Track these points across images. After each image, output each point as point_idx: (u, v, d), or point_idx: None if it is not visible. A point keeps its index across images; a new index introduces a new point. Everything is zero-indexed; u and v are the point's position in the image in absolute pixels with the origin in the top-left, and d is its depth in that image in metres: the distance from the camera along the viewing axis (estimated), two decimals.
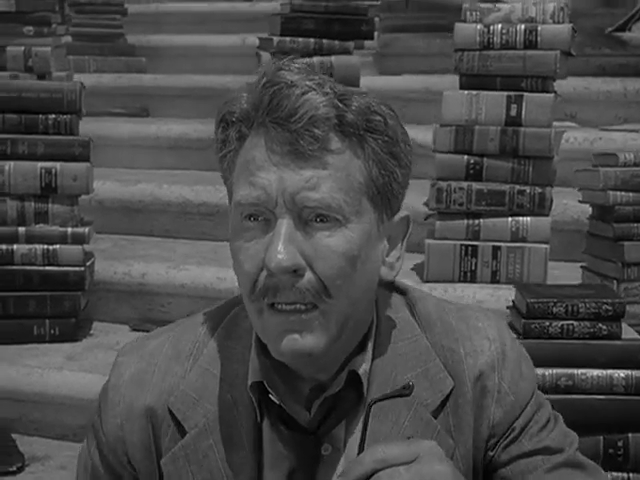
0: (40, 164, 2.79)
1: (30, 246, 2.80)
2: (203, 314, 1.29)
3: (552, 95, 2.67)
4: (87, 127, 3.87)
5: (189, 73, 4.52)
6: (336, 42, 3.30)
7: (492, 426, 1.21)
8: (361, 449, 1.11)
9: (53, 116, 2.81)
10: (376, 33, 4.19)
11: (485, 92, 2.70)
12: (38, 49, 3.64)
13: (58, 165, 2.80)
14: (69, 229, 2.81)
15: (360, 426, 1.17)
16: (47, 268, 2.80)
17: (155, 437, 1.22)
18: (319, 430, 1.17)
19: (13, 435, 2.65)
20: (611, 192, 2.48)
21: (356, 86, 3.31)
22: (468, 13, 2.71)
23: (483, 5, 2.70)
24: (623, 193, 2.47)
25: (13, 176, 2.79)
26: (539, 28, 2.65)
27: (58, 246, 2.81)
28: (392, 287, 1.26)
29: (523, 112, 2.67)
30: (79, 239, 2.82)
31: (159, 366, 1.24)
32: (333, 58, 3.29)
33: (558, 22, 2.65)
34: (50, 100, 2.80)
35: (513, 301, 2.04)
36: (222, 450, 1.19)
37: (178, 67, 4.59)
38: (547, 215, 2.71)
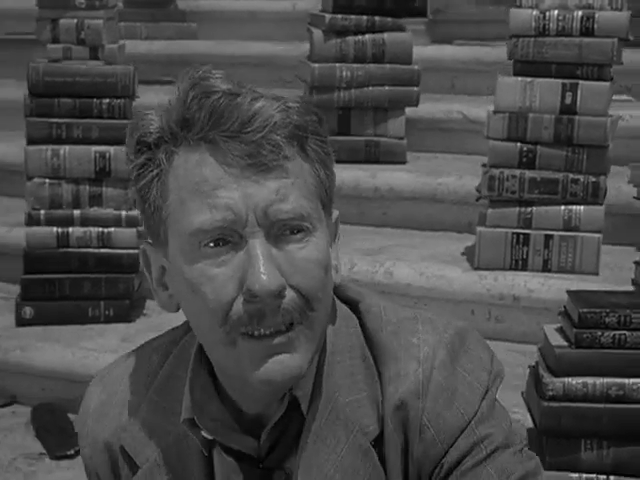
0: (94, 148, 2.82)
1: (85, 229, 2.84)
2: (154, 341, 1.22)
3: (608, 83, 2.64)
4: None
5: (239, 39, 4.52)
6: (389, 19, 3.27)
7: (416, 464, 1.09)
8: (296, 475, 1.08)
9: (107, 100, 2.83)
10: None
11: (540, 79, 2.67)
12: (90, 21, 3.63)
13: (112, 149, 2.82)
14: (123, 212, 2.85)
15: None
16: (101, 250, 2.85)
17: (115, 472, 1.19)
18: (268, 459, 1.11)
19: (70, 416, 2.72)
20: None
21: (408, 63, 3.29)
22: None
23: None
24: None
25: (68, 160, 2.82)
26: (596, 15, 2.61)
27: (112, 229, 2.85)
28: (342, 296, 1.17)
29: (578, 100, 2.64)
30: (133, 222, 2.86)
31: (117, 399, 1.19)
32: (385, 35, 3.26)
33: (616, 9, 2.60)
34: (104, 84, 2.83)
35: (565, 307, 2.04)
36: None
37: (228, 32, 4.57)
38: (601, 204, 2.69)
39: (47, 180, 2.82)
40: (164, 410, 1.15)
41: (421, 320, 1.13)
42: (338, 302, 1.15)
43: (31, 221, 2.83)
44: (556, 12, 2.64)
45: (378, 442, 1.09)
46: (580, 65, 2.64)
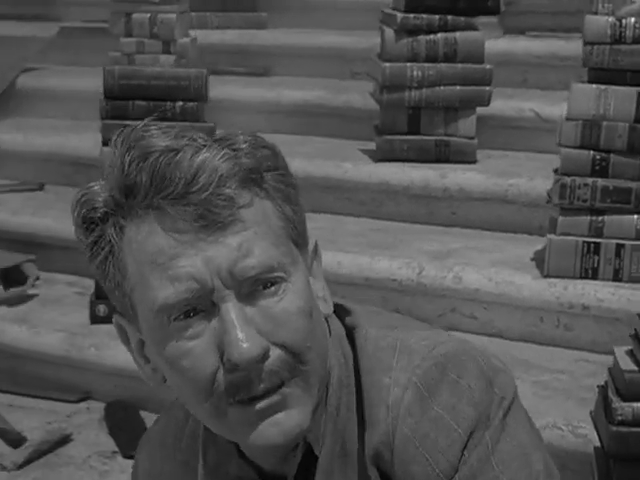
0: None
1: None
2: None
3: None
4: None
5: (311, 28, 4.52)
6: (461, 18, 3.25)
7: None
8: None
9: (180, 103, 2.87)
10: None
11: (614, 87, 2.63)
12: (164, 16, 3.68)
13: None
14: None
15: None
16: None
17: None
18: None
19: (142, 413, 2.78)
20: None
21: (481, 62, 3.26)
22: (600, 5, 2.63)
23: None
24: None
25: None
26: None
27: None
28: (341, 318, 1.09)
29: None
30: None
31: (155, 465, 1.15)
32: (457, 34, 3.24)
33: None
34: (177, 88, 2.86)
35: (635, 330, 2.03)
36: None
37: (299, 22, 4.58)
38: None
39: None
40: (194, 473, 1.09)
41: (399, 350, 1.02)
42: (338, 326, 1.07)
43: None
44: (633, 19, 2.60)
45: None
46: None
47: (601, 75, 2.65)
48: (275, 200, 0.98)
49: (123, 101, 2.85)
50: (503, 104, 3.51)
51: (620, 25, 2.60)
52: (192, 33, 3.95)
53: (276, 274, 0.95)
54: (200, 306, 0.94)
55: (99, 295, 2.93)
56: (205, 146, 0.94)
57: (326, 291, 1.05)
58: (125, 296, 0.99)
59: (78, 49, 4.62)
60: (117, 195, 0.95)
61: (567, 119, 2.70)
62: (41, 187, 3.73)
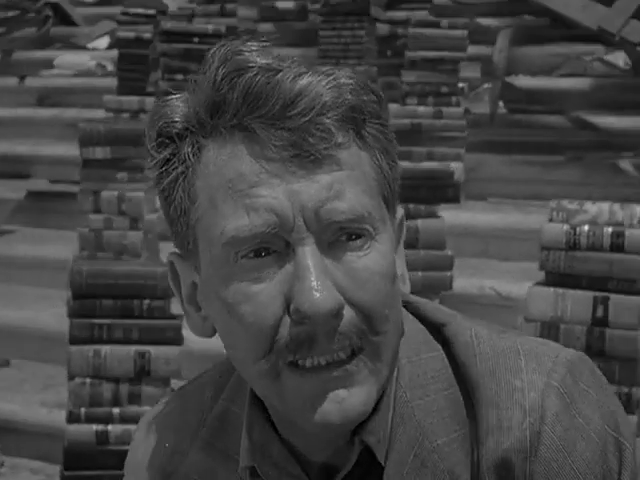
0: (134, 348, 2.89)
1: (124, 427, 2.89)
2: (209, 372, 1.04)
3: None
4: None
5: None
6: (422, 207, 3.34)
7: None
8: None
9: (147, 301, 2.91)
10: (462, 151, 4.24)
11: (571, 291, 2.71)
12: (131, 194, 3.77)
13: (152, 349, 2.89)
14: None
15: None
16: None
17: None
18: None
19: None
20: None
21: (442, 249, 3.35)
22: (555, 213, 2.73)
23: (570, 206, 2.71)
24: None
25: (109, 360, 2.89)
26: (626, 232, 2.66)
27: None
28: (419, 315, 0.96)
29: (610, 313, 2.68)
30: None
31: (166, 442, 1.01)
32: (419, 222, 3.34)
33: None
34: (145, 286, 2.90)
35: None
36: None
37: None
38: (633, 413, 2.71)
39: (88, 379, 2.89)
40: (220, 454, 0.97)
41: (523, 352, 0.91)
42: (412, 321, 0.95)
43: (72, 418, 2.89)
44: (586, 227, 2.69)
45: None
46: (611, 279, 2.68)
47: (558, 279, 2.73)
48: (372, 150, 0.88)
49: (90, 300, 2.88)
50: (465, 282, 3.59)
51: (574, 233, 2.70)
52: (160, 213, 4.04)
53: (365, 226, 0.84)
54: (273, 246, 0.84)
55: None
56: (309, 72, 0.83)
57: (405, 270, 0.93)
58: (188, 227, 0.88)
59: (45, 212, 4.69)
60: (202, 111, 0.85)
61: (526, 320, 2.77)
62: (6, 363, 3.74)
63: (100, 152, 3.74)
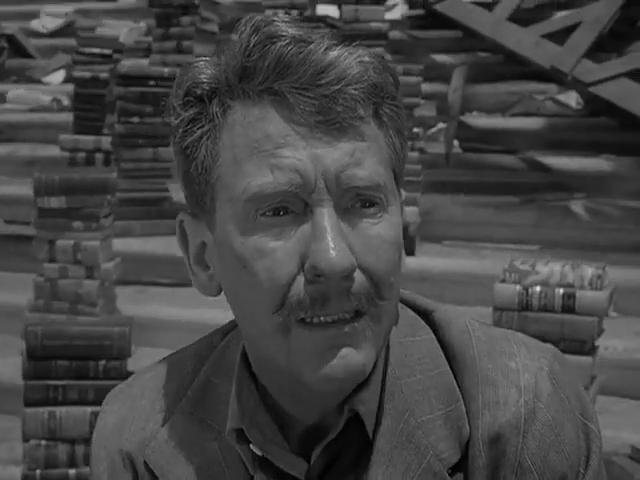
0: (90, 409, 2.88)
1: None
2: (190, 347, 1.05)
3: (590, 359, 2.72)
4: (133, 308, 3.99)
5: None
6: None
7: None
8: None
9: (103, 362, 2.90)
10: (418, 195, 4.27)
11: None
12: (87, 243, 3.77)
13: None
14: None
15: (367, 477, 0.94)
16: None
17: None
18: None
19: None
20: None
21: None
22: (507, 274, 2.77)
23: (522, 267, 2.75)
24: None
25: (65, 421, 2.88)
26: (577, 294, 2.71)
27: None
28: (408, 302, 0.99)
29: None
30: None
31: (141, 411, 1.02)
32: None
33: (596, 288, 2.70)
34: (101, 347, 2.90)
35: None
36: None
37: None
38: None
39: (43, 441, 2.88)
40: (199, 423, 0.99)
41: (514, 340, 0.96)
42: (402, 306, 0.97)
43: None
44: (538, 289, 2.74)
45: (455, 470, 0.93)
46: (563, 340, 2.72)
47: None
48: (387, 130, 0.91)
49: (46, 361, 2.87)
50: None
51: (527, 294, 2.74)
52: (116, 242, 4.03)
53: (379, 194, 0.88)
54: (292, 207, 0.87)
55: None
56: (338, 46, 0.87)
57: (404, 254, 0.96)
58: (208, 184, 0.90)
59: (2, 254, 4.66)
60: (231, 75, 0.88)
61: None
62: None
63: (55, 201, 3.74)
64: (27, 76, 6.49)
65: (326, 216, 0.86)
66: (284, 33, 0.87)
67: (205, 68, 0.90)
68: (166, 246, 4.48)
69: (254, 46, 0.87)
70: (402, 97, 0.93)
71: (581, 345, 2.73)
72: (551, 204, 4.48)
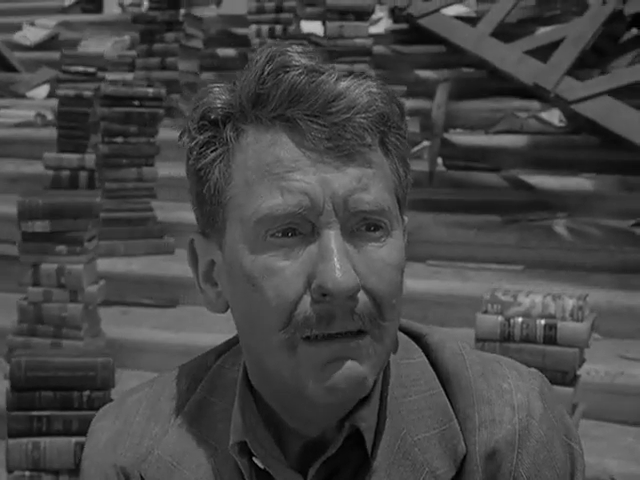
0: (74, 439, 2.89)
1: None
2: (183, 367, 1.08)
3: (572, 389, 2.74)
4: (115, 332, 3.98)
5: None
6: None
7: None
8: None
9: (87, 392, 2.91)
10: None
11: None
12: (71, 267, 3.76)
13: None
14: None
15: None
16: None
17: None
18: None
19: None
20: None
21: None
22: (489, 305, 2.79)
23: (504, 298, 2.77)
24: None
25: (49, 451, 2.88)
26: (558, 324, 2.73)
27: None
28: (400, 326, 1.01)
29: None
30: None
31: (136, 427, 1.04)
32: None
33: (577, 320, 2.72)
34: (85, 378, 2.90)
35: None
36: None
37: None
38: None
39: (27, 472, 2.88)
40: (196, 439, 1.01)
41: (504, 363, 1.02)
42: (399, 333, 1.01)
43: None
44: (520, 320, 2.76)
45: None
46: (544, 370, 2.73)
47: None
48: (392, 158, 0.96)
49: (29, 392, 2.87)
50: None
51: (509, 325, 2.76)
52: (100, 262, 4.03)
53: (384, 219, 0.92)
54: (300, 228, 0.91)
55: None
56: (348, 77, 0.92)
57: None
58: (219, 205, 0.94)
59: None
60: (245, 101, 0.93)
61: None
62: None
63: (39, 226, 3.73)
64: (11, 90, 6.47)
65: (333, 238, 0.90)
66: (297, 63, 0.91)
67: (220, 94, 0.94)
68: (150, 266, 4.49)
69: (268, 74, 0.91)
70: (406, 127, 0.98)
71: (563, 376, 2.75)
72: (534, 224, 4.50)
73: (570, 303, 2.73)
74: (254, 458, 0.96)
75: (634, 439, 3.19)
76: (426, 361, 1.00)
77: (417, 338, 1.02)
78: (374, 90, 0.93)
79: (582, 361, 2.77)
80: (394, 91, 0.97)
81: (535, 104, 5.38)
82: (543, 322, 2.74)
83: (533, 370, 1.02)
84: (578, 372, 2.78)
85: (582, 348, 2.75)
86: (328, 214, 0.90)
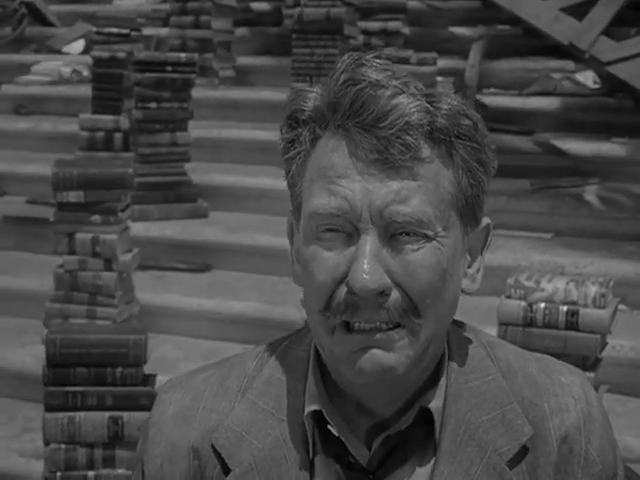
0: (108, 414, 2.99)
1: None
2: (250, 351, 1.20)
3: (592, 374, 2.78)
4: (148, 297, 4.07)
5: (249, 212, 4.70)
6: None
7: None
8: None
9: (120, 369, 3.00)
10: None
11: None
12: (105, 236, 3.84)
13: (124, 415, 2.99)
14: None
15: (426, 470, 1.08)
16: None
17: (200, 478, 1.13)
18: (378, 471, 1.08)
19: None
20: None
21: None
22: (513, 290, 2.82)
23: (527, 284, 2.80)
24: None
25: (83, 426, 2.99)
26: (580, 311, 2.76)
27: None
28: (462, 325, 1.16)
29: None
30: None
31: (205, 402, 1.15)
32: None
33: (599, 307, 2.75)
34: (117, 355, 2.99)
35: None
36: None
37: (239, 207, 4.75)
38: None
39: (63, 445, 2.99)
40: (263, 412, 1.12)
41: (553, 361, 1.17)
42: (458, 327, 1.15)
43: None
44: (543, 305, 2.79)
45: (514, 463, 1.08)
46: (565, 355, 2.78)
47: None
48: (457, 169, 1.03)
49: (65, 368, 2.97)
50: None
51: (531, 310, 2.80)
52: (134, 226, 4.11)
53: (422, 230, 1.01)
54: (344, 228, 1.01)
55: None
56: (405, 93, 1.00)
57: (479, 273, 1.10)
58: (297, 195, 1.08)
59: (22, 236, 4.74)
60: (324, 107, 1.04)
61: None
62: None
63: (74, 196, 3.80)
64: (47, 46, 6.51)
65: (367, 242, 1.00)
66: (365, 77, 1.01)
67: (307, 97, 1.06)
68: (184, 230, 4.56)
69: (341, 84, 1.02)
70: (485, 136, 1.05)
71: (584, 361, 2.79)
72: (565, 191, 4.50)
73: (593, 290, 2.75)
74: (329, 426, 1.07)
75: None
76: (480, 351, 1.13)
77: (477, 333, 1.16)
78: (437, 105, 1.01)
79: (604, 346, 2.81)
80: (465, 105, 1.04)
81: (570, 64, 5.33)
82: (565, 308, 2.77)
83: (574, 367, 1.18)
84: (600, 356, 2.82)
85: (603, 334, 2.78)
86: (365, 221, 1.00)
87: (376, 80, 1.00)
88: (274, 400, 1.12)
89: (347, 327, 1.03)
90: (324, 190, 1.02)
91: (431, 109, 1.01)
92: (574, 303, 2.77)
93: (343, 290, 1.02)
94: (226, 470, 1.10)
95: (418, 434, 1.08)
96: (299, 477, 1.09)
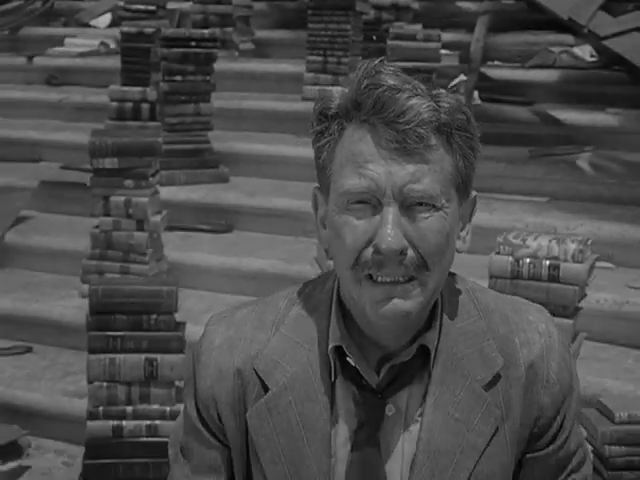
0: (144, 356, 3.37)
1: (136, 422, 3.38)
2: (281, 293, 1.45)
3: (571, 321, 3.15)
4: (176, 256, 4.43)
5: (267, 177, 5.04)
6: None
7: (540, 408, 1.37)
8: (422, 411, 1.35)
9: (154, 316, 3.38)
10: None
11: None
12: (137, 199, 4.21)
13: (159, 357, 3.37)
14: (167, 408, 3.40)
15: (421, 391, 1.36)
16: (150, 439, 3.40)
17: (242, 394, 1.39)
18: (385, 392, 1.35)
19: None
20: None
21: None
22: (502, 247, 3.18)
23: (515, 241, 3.16)
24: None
25: (123, 366, 3.37)
26: (561, 265, 3.12)
27: (158, 422, 3.40)
28: (453, 275, 1.42)
29: None
30: (176, 415, 3.40)
31: (246, 334, 1.41)
32: None
33: (578, 261, 3.11)
34: (152, 304, 3.37)
35: None
36: (300, 405, 1.36)
37: (257, 172, 5.10)
38: None
39: (105, 383, 3.38)
40: (294, 343, 1.38)
41: (523, 302, 1.44)
42: (450, 278, 1.40)
43: (91, 416, 3.39)
44: (528, 260, 3.15)
45: (489, 386, 1.35)
46: (547, 304, 3.14)
47: None
48: (455, 154, 1.30)
49: (106, 315, 3.35)
50: None
51: (518, 265, 3.15)
52: (162, 190, 4.47)
53: (432, 202, 1.27)
54: (370, 201, 1.27)
55: (86, 478, 3.43)
56: (418, 95, 1.26)
57: (468, 235, 1.37)
58: (326, 176, 1.32)
59: (58, 200, 5.10)
60: (349, 104, 1.29)
61: None
62: (29, 349, 4.21)
63: (109, 162, 4.16)
64: (75, 19, 6.84)
65: (390, 212, 1.27)
66: (384, 82, 1.27)
67: (334, 96, 1.32)
68: (207, 194, 4.92)
69: (364, 87, 1.28)
70: (475, 127, 1.33)
71: (564, 309, 3.15)
72: (559, 158, 4.81)
73: (572, 247, 3.10)
74: (347, 358, 1.34)
75: (634, 361, 3.53)
76: (468, 299, 1.41)
77: (464, 282, 1.43)
78: (442, 104, 1.27)
79: (582, 296, 3.16)
80: (460, 102, 1.31)
81: (569, 38, 5.61)
82: (548, 263, 3.13)
83: (540, 306, 1.45)
84: (579, 305, 3.17)
85: (581, 286, 3.13)
86: (388, 196, 1.26)
87: (393, 84, 1.26)
88: (302, 334, 1.39)
89: (371, 279, 1.29)
90: (354, 173, 1.27)
91: (437, 107, 1.27)
92: (556, 258, 3.13)
93: (369, 250, 1.28)
94: (264, 388, 1.38)
95: (416, 364, 1.36)
96: (323, 394, 1.36)
